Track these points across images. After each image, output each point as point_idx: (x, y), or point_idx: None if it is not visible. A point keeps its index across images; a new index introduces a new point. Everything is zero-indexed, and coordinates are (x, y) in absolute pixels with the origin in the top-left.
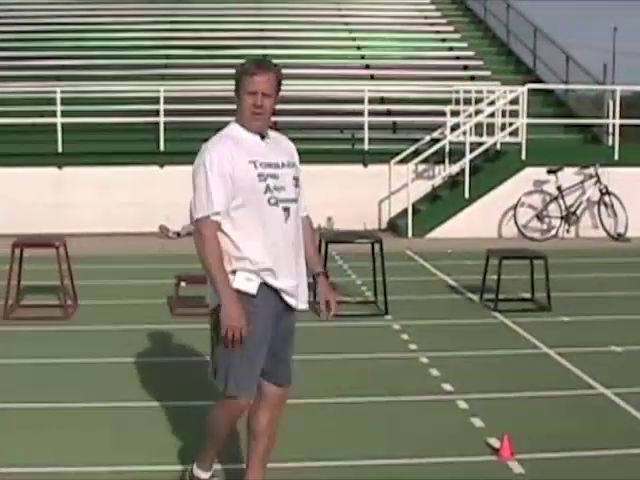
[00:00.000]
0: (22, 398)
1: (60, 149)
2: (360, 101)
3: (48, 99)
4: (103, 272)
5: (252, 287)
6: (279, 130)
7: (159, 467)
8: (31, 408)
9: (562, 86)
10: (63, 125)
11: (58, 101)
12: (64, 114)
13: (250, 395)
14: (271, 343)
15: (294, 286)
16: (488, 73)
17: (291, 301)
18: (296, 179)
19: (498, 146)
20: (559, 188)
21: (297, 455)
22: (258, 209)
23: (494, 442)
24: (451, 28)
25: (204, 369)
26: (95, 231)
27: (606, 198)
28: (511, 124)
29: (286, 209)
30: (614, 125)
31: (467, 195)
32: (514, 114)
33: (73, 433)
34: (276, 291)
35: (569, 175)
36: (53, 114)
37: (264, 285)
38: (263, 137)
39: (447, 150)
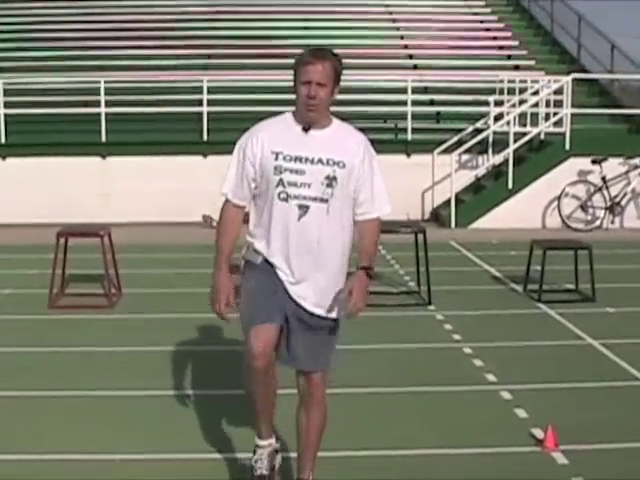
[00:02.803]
0: (66, 386)
1: (104, 139)
2: (403, 91)
3: (92, 89)
4: (147, 261)
5: (256, 258)
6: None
7: (203, 455)
8: (75, 396)
9: (607, 76)
10: (107, 115)
11: (102, 91)
12: (108, 104)
13: (260, 318)
14: (290, 328)
15: (302, 288)
16: (532, 63)
17: (295, 297)
18: (330, 178)
19: (542, 136)
20: (603, 178)
21: (341, 444)
22: (269, 201)
23: (538, 433)
24: (495, 17)
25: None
26: (139, 220)
27: None
28: (555, 114)
29: (303, 207)
30: None
31: (511, 185)
32: (558, 104)
33: (118, 420)
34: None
35: (614, 165)
36: (97, 104)
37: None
38: (307, 129)
39: (491, 140)
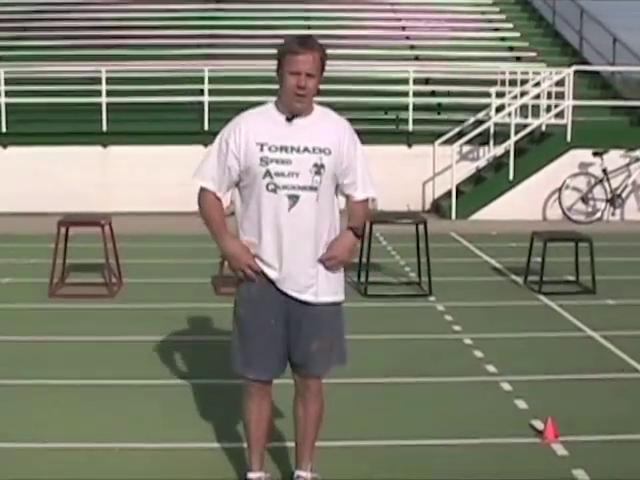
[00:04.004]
0: (65, 375)
1: (105, 128)
2: (405, 82)
3: (93, 79)
4: (148, 251)
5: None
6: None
7: (202, 444)
8: (75, 385)
9: (608, 68)
10: (108, 104)
11: (103, 80)
12: (109, 93)
13: (254, 374)
14: (286, 332)
15: (296, 281)
16: (534, 54)
17: (293, 293)
18: (318, 166)
19: (543, 128)
20: (604, 171)
21: (342, 434)
22: (257, 193)
23: (538, 424)
24: (497, 9)
25: None
26: (140, 210)
27: None
28: (557, 106)
29: (292, 197)
30: None
31: (511, 177)
32: (560, 96)
33: (117, 409)
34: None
35: (615, 158)
36: (98, 93)
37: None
38: (290, 119)
39: (492, 131)
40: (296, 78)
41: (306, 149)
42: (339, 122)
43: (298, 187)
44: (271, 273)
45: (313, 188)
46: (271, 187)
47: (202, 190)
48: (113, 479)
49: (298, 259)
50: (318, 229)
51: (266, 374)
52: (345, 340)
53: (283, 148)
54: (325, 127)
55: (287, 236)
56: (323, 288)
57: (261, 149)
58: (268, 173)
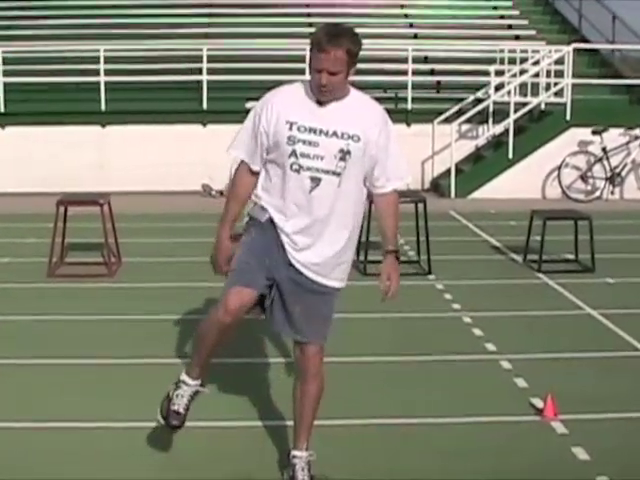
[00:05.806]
0: (66, 354)
1: (103, 108)
2: (404, 60)
3: (91, 58)
4: (147, 230)
5: (262, 215)
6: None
7: (203, 423)
8: (75, 364)
9: (608, 46)
10: (106, 84)
11: (101, 60)
12: (107, 73)
13: (235, 281)
14: (283, 294)
15: (306, 256)
16: (533, 32)
17: (303, 270)
18: (344, 152)
19: (542, 106)
20: (604, 149)
21: (340, 412)
22: (281, 171)
23: (537, 402)
24: None
25: (249, 326)
26: (138, 189)
27: None
28: (556, 84)
29: (315, 179)
30: None
31: (511, 155)
32: (559, 74)
33: (118, 388)
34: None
35: (614, 136)
36: (96, 73)
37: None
38: (322, 102)
39: (491, 110)
40: (319, 75)
41: (334, 133)
42: (374, 108)
43: (321, 170)
44: (288, 243)
45: (336, 173)
46: (295, 167)
47: (242, 163)
48: (113, 459)
49: (313, 241)
50: (338, 215)
51: (255, 284)
52: (331, 322)
53: (312, 130)
54: (357, 112)
55: (305, 217)
56: (333, 273)
57: (290, 128)
58: (294, 153)
